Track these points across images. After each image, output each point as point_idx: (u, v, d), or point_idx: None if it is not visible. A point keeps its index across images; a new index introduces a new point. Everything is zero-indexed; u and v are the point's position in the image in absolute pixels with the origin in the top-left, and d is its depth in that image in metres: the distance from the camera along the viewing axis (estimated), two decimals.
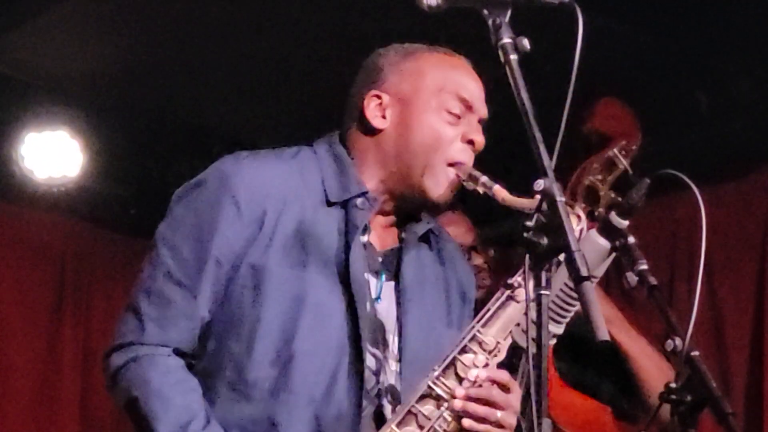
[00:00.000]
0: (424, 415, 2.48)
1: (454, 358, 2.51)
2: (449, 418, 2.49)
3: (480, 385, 2.49)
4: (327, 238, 2.60)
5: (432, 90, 2.66)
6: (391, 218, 2.72)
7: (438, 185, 2.64)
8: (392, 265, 2.69)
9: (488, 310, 2.56)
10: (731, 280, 5.42)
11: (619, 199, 2.85)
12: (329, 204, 2.63)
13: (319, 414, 2.51)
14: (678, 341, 2.41)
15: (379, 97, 2.68)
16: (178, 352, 2.55)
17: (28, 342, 5.97)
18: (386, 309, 2.64)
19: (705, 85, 5.11)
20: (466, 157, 2.65)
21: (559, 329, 2.88)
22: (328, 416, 2.51)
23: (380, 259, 2.67)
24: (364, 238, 2.64)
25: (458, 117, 2.66)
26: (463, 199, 2.82)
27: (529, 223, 2.12)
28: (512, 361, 2.65)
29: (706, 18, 4.72)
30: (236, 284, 2.55)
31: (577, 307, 2.83)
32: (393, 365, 2.62)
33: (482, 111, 2.71)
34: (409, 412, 2.49)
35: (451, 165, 2.64)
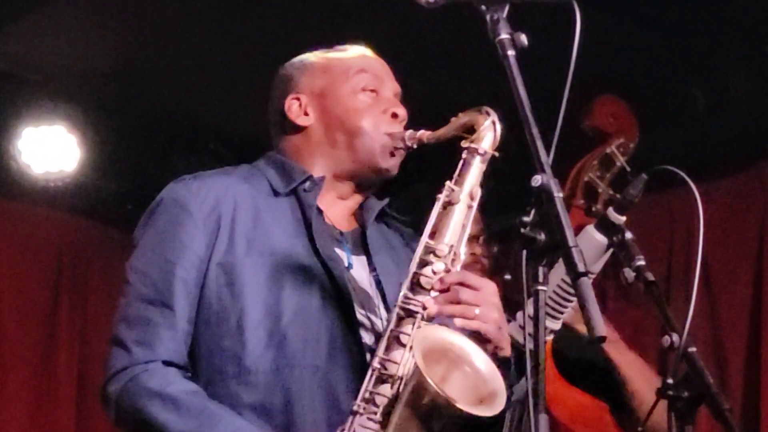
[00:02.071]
0: (405, 333, 2.50)
1: (415, 274, 2.54)
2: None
3: (447, 290, 2.51)
4: (285, 223, 2.67)
5: (343, 75, 2.78)
6: (351, 204, 2.78)
7: (379, 155, 2.71)
8: (356, 243, 2.74)
9: (430, 221, 2.59)
10: (728, 276, 5.43)
11: (618, 196, 2.86)
12: (277, 195, 2.71)
13: (328, 378, 2.54)
14: (675, 337, 2.42)
15: (297, 98, 2.79)
16: (169, 364, 2.57)
17: (25, 336, 5.97)
18: (363, 278, 2.69)
19: (701, 81, 5.12)
20: (396, 129, 2.73)
21: (556, 325, 2.89)
22: (338, 377, 2.54)
23: (341, 233, 2.73)
24: (320, 218, 2.70)
25: (374, 91, 2.76)
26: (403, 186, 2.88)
27: (527, 219, 2.13)
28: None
29: (702, 15, 4.72)
30: (210, 286, 2.60)
31: (574, 302, 2.84)
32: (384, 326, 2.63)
33: (394, 86, 2.81)
34: (391, 336, 2.51)
35: (385, 135, 2.72)
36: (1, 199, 5.84)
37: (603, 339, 2.00)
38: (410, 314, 2.51)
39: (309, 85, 2.80)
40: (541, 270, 2.09)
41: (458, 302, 2.49)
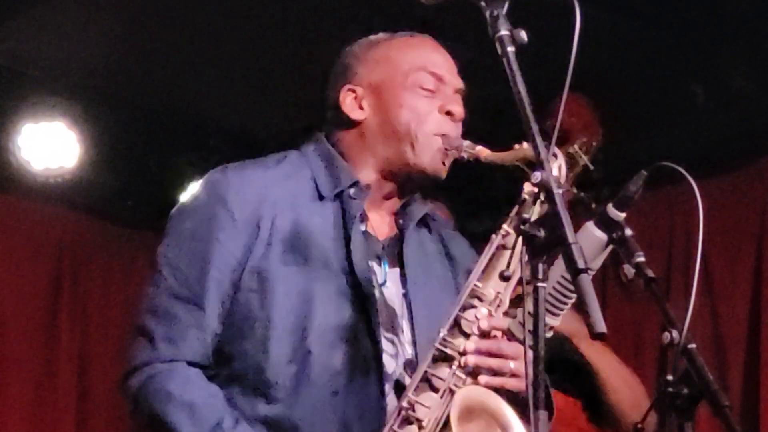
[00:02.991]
0: (438, 377, 2.48)
1: (458, 316, 2.52)
2: (463, 376, 2.49)
3: (487, 337, 2.50)
4: (325, 232, 2.62)
5: (402, 71, 2.71)
6: (391, 205, 2.74)
7: (429, 158, 2.67)
8: (394, 252, 2.70)
9: (481, 263, 2.56)
10: (728, 273, 5.43)
11: (582, 194, 2.87)
12: (322, 199, 2.66)
13: (344, 404, 2.52)
14: (675, 334, 2.41)
15: (353, 90, 2.73)
16: (193, 365, 2.56)
17: (25, 332, 5.97)
18: (394, 294, 2.66)
19: (702, 77, 5.11)
20: (449, 128, 2.68)
21: (556, 321, 2.88)
22: (353, 404, 2.53)
23: (381, 246, 2.69)
24: (362, 227, 2.66)
25: (432, 91, 2.70)
26: (448, 190, 2.85)
27: (527, 215, 2.12)
28: None
29: (702, 11, 4.72)
30: (242, 291, 2.57)
31: (574, 299, 2.84)
32: (408, 349, 2.63)
33: (456, 82, 2.75)
34: (423, 377, 2.49)
35: (437, 136, 2.68)
36: (1, 195, 5.84)
37: (604, 335, 2.00)
38: (446, 358, 2.49)
39: (366, 78, 2.73)
40: (540, 266, 2.09)
41: (497, 354, 2.48)
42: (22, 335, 5.96)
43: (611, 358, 3.70)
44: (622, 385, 3.65)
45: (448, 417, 2.42)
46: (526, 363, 2.08)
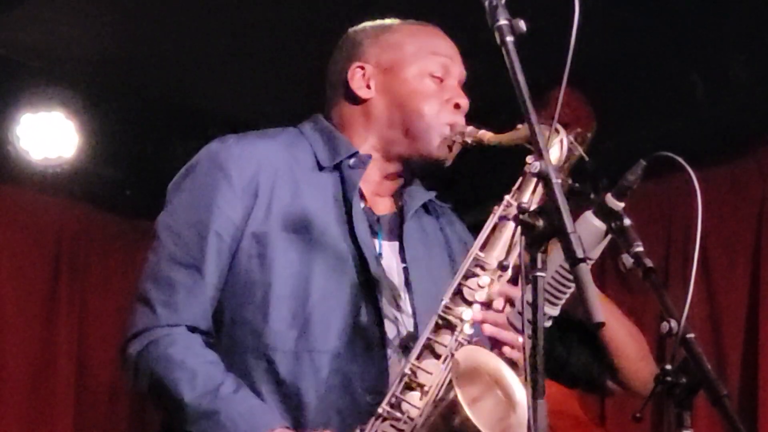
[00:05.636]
0: (440, 343, 2.49)
1: (460, 285, 2.53)
2: (465, 343, 2.50)
3: (489, 306, 2.51)
4: (325, 200, 2.64)
5: (412, 56, 2.74)
6: (391, 186, 2.76)
7: (436, 145, 2.69)
8: (392, 228, 2.72)
9: (483, 233, 2.57)
10: (726, 262, 5.43)
11: (577, 185, 2.87)
12: (321, 169, 2.68)
13: (346, 367, 2.54)
14: (673, 323, 2.41)
15: (362, 68, 2.75)
16: (193, 330, 2.57)
17: (24, 322, 5.98)
18: (393, 267, 2.68)
19: (700, 67, 5.11)
20: (457, 118, 2.71)
21: (555, 311, 2.88)
22: (355, 368, 2.54)
23: (377, 219, 2.71)
24: (361, 204, 2.68)
25: (441, 79, 2.73)
26: (448, 183, 2.86)
27: (525, 204, 2.13)
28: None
29: (701, 1, 4.72)
30: (242, 255, 2.58)
31: (573, 288, 2.84)
32: (408, 321, 2.64)
33: (461, 72, 2.78)
34: (426, 344, 2.50)
35: (446, 125, 2.70)
36: (0, 185, 5.84)
37: (602, 324, 2.00)
38: (449, 325, 2.50)
39: (376, 57, 2.75)
40: (539, 256, 2.09)
41: (500, 325, 2.50)
42: (20, 325, 5.96)
43: (612, 307, 3.69)
44: (621, 329, 3.64)
45: (449, 381, 2.42)
46: (525, 355, 2.08)
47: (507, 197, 2.58)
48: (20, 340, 5.95)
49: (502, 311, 2.53)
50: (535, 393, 2.05)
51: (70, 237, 6.17)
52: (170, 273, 2.58)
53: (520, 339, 2.48)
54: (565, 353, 3.69)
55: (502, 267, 2.54)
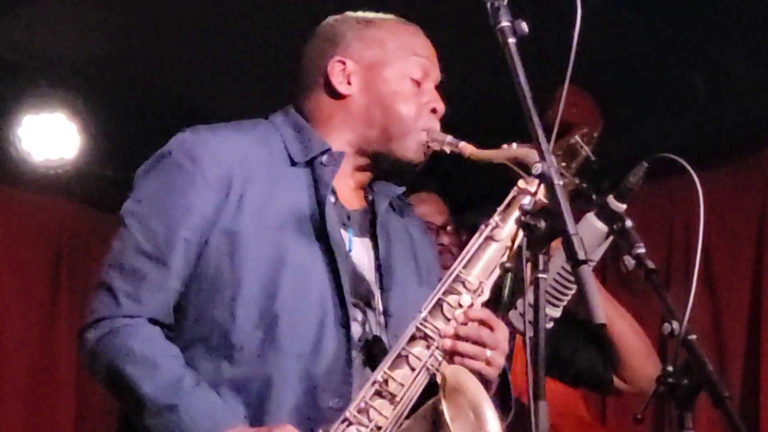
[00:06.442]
0: (414, 356, 2.49)
1: (440, 299, 2.53)
2: (440, 358, 2.51)
3: (467, 324, 2.52)
4: (297, 197, 2.62)
5: (394, 55, 2.72)
6: (361, 178, 2.74)
7: (413, 149, 2.68)
8: (362, 224, 2.71)
9: (468, 251, 2.57)
10: (728, 264, 5.43)
11: (584, 185, 2.88)
12: (294, 165, 2.66)
13: (310, 368, 2.51)
14: (675, 325, 2.41)
15: (343, 62, 2.72)
16: (154, 323, 2.54)
17: (25, 324, 5.98)
18: (364, 263, 2.66)
19: (702, 68, 5.11)
20: (434, 123, 2.71)
21: (557, 312, 2.88)
22: (319, 369, 2.51)
23: (347, 215, 2.69)
24: (332, 198, 2.66)
25: (419, 83, 2.72)
26: (443, 182, 2.86)
27: (527, 206, 2.13)
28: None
29: (703, 1, 4.72)
30: (211, 251, 2.55)
31: (574, 290, 2.84)
32: (379, 318, 2.63)
33: (438, 74, 2.77)
34: (400, 354, 2.50)
35: (423, 130, 2.70)
36: (1, 186, 5.84)
37: (604, 326, 2.00)
38: (425, 337, 2.51)
39: (359, 53, 2.73)
40: (541, 258, 2.09)
41: (475, 340, 2.50)
42: (21, 325, 5.96)
43: (615, 303, 3.69)
44: (625, 325, 3.64)
45: (422, 395, 2.43)
46: (526, 354, 2.08)
47: (495, 218, 2.58)
48: (20, 340, 5.95)
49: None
50: (537, 394, 2.05)
51: (71, 238, 6.17)
52: (136, 264, 2.55)
53: (488, 353, 2.49)
54: (570, 351, 3.69)
55: (480, 289, 2.55)
